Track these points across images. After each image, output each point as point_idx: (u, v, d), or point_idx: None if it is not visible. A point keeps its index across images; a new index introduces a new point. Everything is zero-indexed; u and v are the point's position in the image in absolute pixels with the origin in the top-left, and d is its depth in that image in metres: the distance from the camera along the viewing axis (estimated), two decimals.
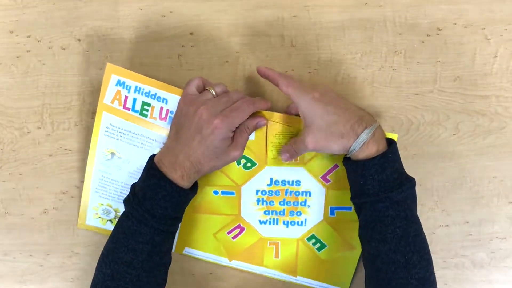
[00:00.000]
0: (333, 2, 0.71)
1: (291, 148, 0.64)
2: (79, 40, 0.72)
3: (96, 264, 0.62)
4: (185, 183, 0.60)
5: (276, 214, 0.69)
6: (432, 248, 0.61)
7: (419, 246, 0.59)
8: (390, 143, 0.61)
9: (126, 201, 0.61)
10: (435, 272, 0.60)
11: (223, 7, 0.71)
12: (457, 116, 0.72)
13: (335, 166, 0.68)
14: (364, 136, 0.58)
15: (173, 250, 0.70)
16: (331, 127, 0.59)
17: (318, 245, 0.70)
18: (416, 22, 0.71)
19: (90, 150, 0.69)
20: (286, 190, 0.68)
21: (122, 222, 0.61)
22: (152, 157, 0.62)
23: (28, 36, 0.72)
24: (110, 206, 0.70)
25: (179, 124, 0.63)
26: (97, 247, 0.72)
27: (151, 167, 0.61)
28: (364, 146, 0.58)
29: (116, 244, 0.60)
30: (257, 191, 0.69)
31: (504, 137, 0.72)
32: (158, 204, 0.59)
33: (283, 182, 0.68)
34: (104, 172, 0.69)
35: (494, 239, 0.72)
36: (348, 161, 0.61)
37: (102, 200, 0.70)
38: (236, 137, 0.63)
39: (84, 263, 0.72)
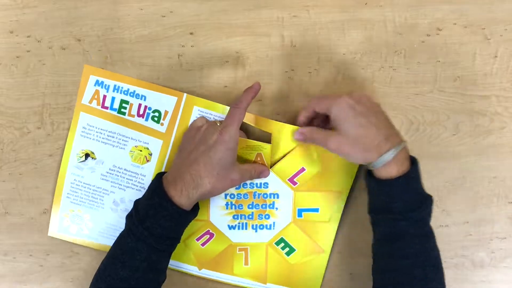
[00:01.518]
0: (333, 2, 0.71)
1: (312, 133, 0.64)
2: (79, 40, 0.72)
3: (96, 263, 0.62)
4: (183, 200, 0.60)
5: (245, 218, 0.69)
6: None
7: (435, 260, 0.61)
8: (413, 161, 0.61)
9: (128, 217, 0.62)
10: None
11: (223, 7, 0.71)
12: (457, 116, 0.72)
13: (302, 169, 0.68)
14: (388, 156, 0.59)
15: None
16: (357, 139, 0.60)
17: (287, 249, 0.70)
18: (416, 22, 0.71)
19: (64, 154, 0.70)
20: (254, 193, 0.68)
21: (121, 238, 0.62)
22: (159, 175, 0.63)
23: (28, 36, 0.72)
24: (81, 212, 0.70)
25: (185, 142, 0.65)
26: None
27: (156, 185, 0.61)
28: (387, 165, 0.59)
29: (114, 259, 0.61)
30: (226, 195, 0.68)
31: (504, 137, 0.72)
32: (158, 224, 0.59)
33: (251, 184, 0.68)
34: (77, 175, 0.70)
35: (494, 239, 0.72)
36: (371, 179, 0.62)
37: (73, 206, 0.70)
38: (240, 165, 0.64)
39: (84, 263, 0.72)
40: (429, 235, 0.61)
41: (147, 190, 0.63)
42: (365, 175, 0.64)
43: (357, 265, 0.71)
